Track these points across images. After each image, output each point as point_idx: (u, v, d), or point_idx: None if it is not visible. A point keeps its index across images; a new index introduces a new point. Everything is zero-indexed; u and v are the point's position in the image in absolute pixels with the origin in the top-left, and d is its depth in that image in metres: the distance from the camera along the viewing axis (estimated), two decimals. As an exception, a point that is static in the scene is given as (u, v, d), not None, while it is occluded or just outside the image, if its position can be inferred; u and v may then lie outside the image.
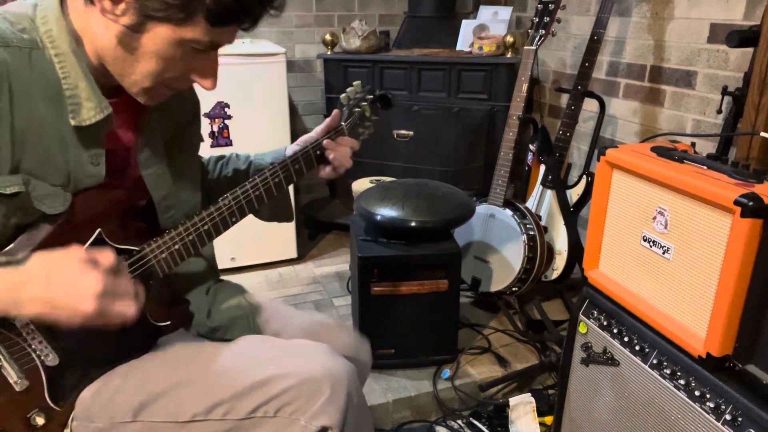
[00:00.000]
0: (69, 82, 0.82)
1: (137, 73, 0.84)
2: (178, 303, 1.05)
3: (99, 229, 0.88)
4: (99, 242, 0.88)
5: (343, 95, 1.18)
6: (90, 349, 0.91)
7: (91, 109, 0.84)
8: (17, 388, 0.85)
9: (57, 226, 0.85)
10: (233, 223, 1.01)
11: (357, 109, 1.17)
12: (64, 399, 0.90)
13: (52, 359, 0.87)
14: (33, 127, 0.81)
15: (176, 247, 0.94)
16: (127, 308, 0.81)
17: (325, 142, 1.11)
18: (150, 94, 0.88)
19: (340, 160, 1.12)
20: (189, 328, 1.09)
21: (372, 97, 1.19)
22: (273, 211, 1.20)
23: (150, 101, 0.90)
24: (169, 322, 0.99)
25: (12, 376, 0.84)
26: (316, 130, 1.14)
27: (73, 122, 0.83)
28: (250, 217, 1.25)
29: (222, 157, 1.24)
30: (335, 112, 1.14)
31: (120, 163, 0.94)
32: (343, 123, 1.15)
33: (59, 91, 0.82)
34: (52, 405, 0.88)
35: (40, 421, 0.87)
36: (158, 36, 0.79)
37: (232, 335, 1.10)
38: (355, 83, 1.22)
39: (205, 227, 0.97)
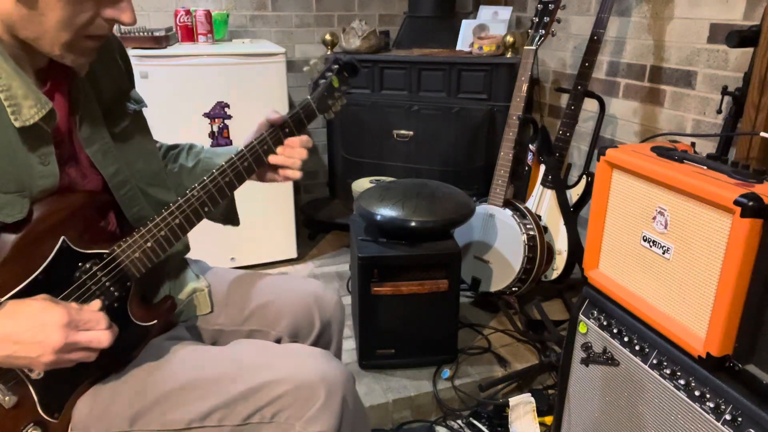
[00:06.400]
0: (2, 83, 0.78)
1: (50, 28, 0.78)
2: (162, 300, 1.03)
3: (63, 237, 0.85)
4: (64, 250, 0.85)
5: (306, 68, 1.14)
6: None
7: (31, 107, 0.80)
8: (6, 405, 0.83)
9: (19, 239, 0.82)
10: (206, 213, 0.99)
11: (323, 81, 1.13)
12: (59, 410, 0.89)
13: (36, 372, 0.85)
14: None
15: (149, 244, 0.92)
16: (97, 337, 0.80)
17: (277, 150, 1.07)
18: (74, 50, 0.82)
19: (287, 164, 1.08)
20: (174, 323, 1.09)
21: (338, 66, 1.15)
22: (223, 213, 1.18)
23: (78, 60, 0.84)
24: (155, 321, 0.97)
25: None
26: (257, 128, 1.09)
27: (16, 123, 0.79)
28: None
29: (175, 146, 1.20)
30: (277, 116, 1.08)
31: (68, 150, 0.90)
32: (309, 97, 1.11)
33: None
34: (46, 417, 0.87)
35: None
36: None
37: (189, 314, 1.12)
38: (318, 56, 1.18)
39: (176, 221, 0.94)
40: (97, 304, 0.85)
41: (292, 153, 1.08)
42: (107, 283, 0.90)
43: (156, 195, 1.04)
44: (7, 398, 0.83)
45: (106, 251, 0.90)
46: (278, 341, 1.15)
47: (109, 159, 0.95)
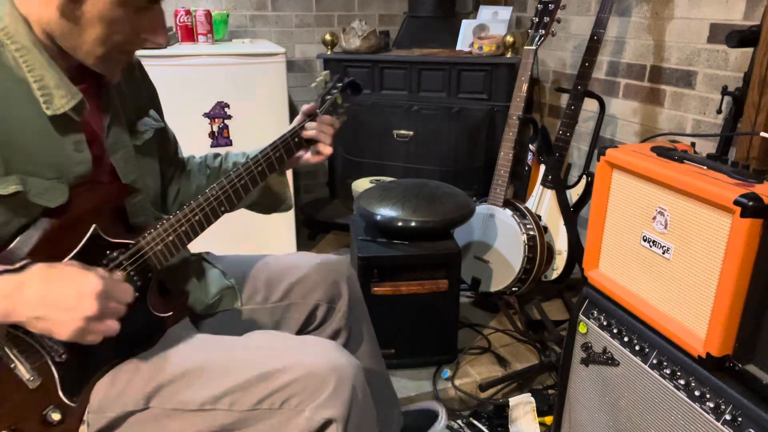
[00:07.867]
0: (35, 74, 0.82)
1: (87, 43, 0.84)
2: (178, 293, 1.07)
3: (94, 225, 0.89)
4: (95, 237, 0.89)
5: (314, 84, 1.22)
6: (98, 344, 0.90)
7: (62, 97, 0.84)
8: (30, 386, 0.85)
9: (53, 224, 0.85)
10: (223, 213, 1.04)
11: (329, 97, 1.20)
12: (78, 394, 0.91)
13: (61, 355, 0.87)
14: (14, 127, 0.82)
15: (170, 238, 0.96)
16: (118, 310, 0.83)
17: (306, 124, 1.15)
18: (107, 62, 0.88)
19: (320, 138, 1.15)
20: (187, 315, 1.12)
21: (342, 84, 1.22)
22: (270, 202, 1.24)
23: (110, 71, 0.91)
24: (171, 313, 1.01)
25: (24, 374, 0.84)
26: (296, 120, 1.18)
27: (48, 112, 0.83)
28: (250, 217, 1.26)
29: (217, 155, 1.27)
30: (311, 105, 1.17)
31: (97, 150, 0.94)
32: (318, 111, 1.18)
33: (28, 85, 0.82)
34: (66, 401, 0.89)
35: (56, 417, 0.88)
36: (99, 0, 0.80)
37: (216, 307, 1.16)
38: (323, 73, 1.25)
39: (197, 217, 0.99)
40: (120, 275, 0.89)
41: (323, 128, 1.15)
42: (131, 273, 0.93)
43: (155, 212, 1.08)
44: (32, 379, 0.85)
45: (132, 241, 0.93)
46: (316, 308, 1.23)
47: (129, 167, 0.99)
